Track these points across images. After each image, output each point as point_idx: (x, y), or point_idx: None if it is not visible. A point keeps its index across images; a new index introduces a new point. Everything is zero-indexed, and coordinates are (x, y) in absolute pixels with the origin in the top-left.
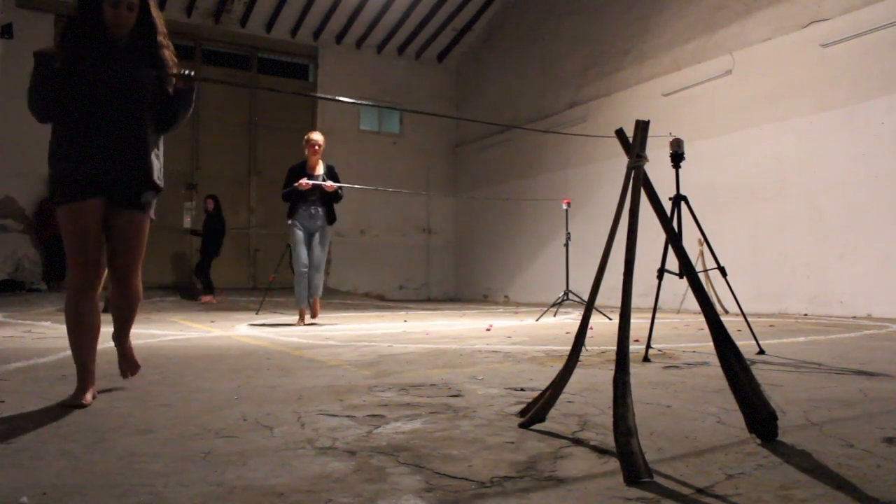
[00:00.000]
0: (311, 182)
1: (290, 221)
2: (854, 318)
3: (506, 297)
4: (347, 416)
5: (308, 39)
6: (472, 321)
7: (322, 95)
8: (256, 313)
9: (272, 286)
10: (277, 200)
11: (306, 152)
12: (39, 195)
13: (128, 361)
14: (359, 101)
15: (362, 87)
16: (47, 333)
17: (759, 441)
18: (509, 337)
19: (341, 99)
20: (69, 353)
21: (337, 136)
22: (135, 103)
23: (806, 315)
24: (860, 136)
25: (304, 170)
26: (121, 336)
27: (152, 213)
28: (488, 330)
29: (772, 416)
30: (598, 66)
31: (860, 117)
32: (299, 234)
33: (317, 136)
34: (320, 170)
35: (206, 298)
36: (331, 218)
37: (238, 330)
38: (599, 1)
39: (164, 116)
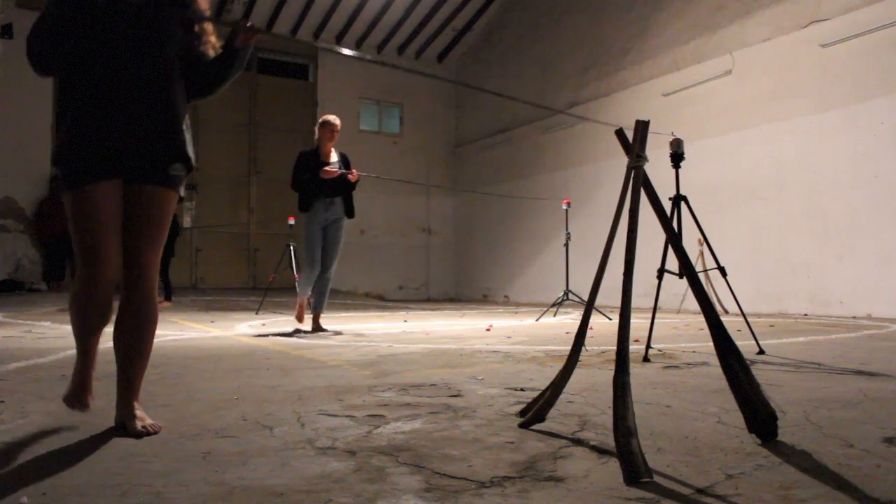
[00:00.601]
0: (338, 170)
1: (306, 213)
2: (854, 318)
3: (505, 297)
4: (347, 416)
5: (308, 39)
6: (472, 321)
7: (333, 47)
8: (256, 313)
9: (272, 286)
10: (278, 200)
11: (319, 137)
12: (39, 195)
13: (130, 412)
14: (368, 57)
15: (362, 87)
16: (47, 333)
17: (759, 441)
18: (509, 337)
19: (347, 52)
20: (69, 352)
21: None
22: (164, 61)
23: (806, 315)
24: (860, 136)
25: (318, 157)
26: (128, 376)
27: (182, 191)
28: (488, 330)
29: (772, 416)
30: (598, 66)
31: (860, 117)
32: (316, 230)
33: (336, 120)
34: (334, 157)
35: (164, 304)
36: (350, 211)
37: (238, 330)
38: (599, 1)
39: (204, 78)
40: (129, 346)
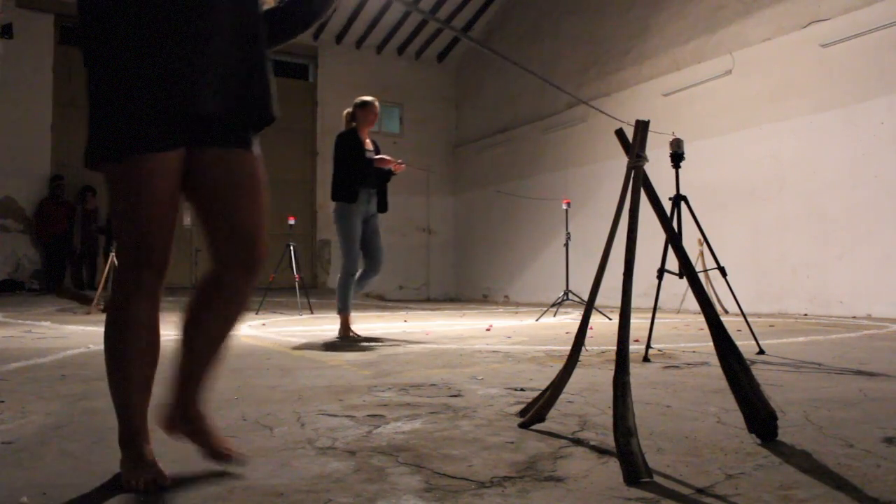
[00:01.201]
0: (393, 160)
1: (348, 204)
2: (854, 318)
3: (505, 297)
4: (347, 416)
5: (308, 39)
6: (472, 321)
7: None
8: (256, 313)
9: (272, 286)
10: (277, 200)
11: (358, 121)
12: (39, 195)
13: (202, 430)
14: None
15: (362, 87)
16: (47, 333)
17: (759, 441)
18: (509, 337)
19: None
20: (69, 353)
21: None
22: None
23: (806, 315)
24: (860, 136)
25: (359, 142)
26: (196, 375)
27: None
28: (488, 330)
29: (772, 416)
30: (598, 66)
31: (860, 117)
32: (358, 223)
33: (378, 102)
34: (369, 144)
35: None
36: (385, 205)
37: (238, 330)
38: (599, 1)
39: (287, 20)
40: (215, 333)
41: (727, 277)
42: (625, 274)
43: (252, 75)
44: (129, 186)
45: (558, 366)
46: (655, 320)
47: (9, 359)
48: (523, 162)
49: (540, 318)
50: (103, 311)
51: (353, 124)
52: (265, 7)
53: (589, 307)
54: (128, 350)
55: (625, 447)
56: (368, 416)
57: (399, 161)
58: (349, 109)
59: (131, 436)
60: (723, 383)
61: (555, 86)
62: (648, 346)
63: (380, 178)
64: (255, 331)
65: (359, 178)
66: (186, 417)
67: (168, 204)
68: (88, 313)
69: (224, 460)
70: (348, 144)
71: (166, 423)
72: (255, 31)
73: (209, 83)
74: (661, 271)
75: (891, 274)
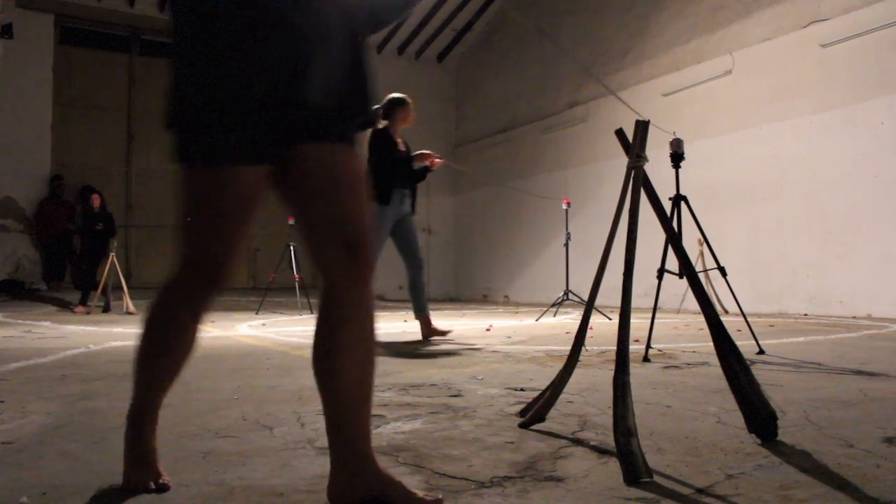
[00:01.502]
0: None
1: (381, 206)
2: (854, 318)
3: (505, 297)
4: None
5: None
6: (472, 321)
7: None
8: (256, 313)
9: (272, 286)
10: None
11: (392, 119)
12: (39, 195)
13: (382, 476)
14: None
15: None
16: (47, 333)
17: (759, 441)
18: (509, 337)
19: None
20: (69, 353)
21: None
22: None
23: (806, 315)
24: (860, 136)
25: (394, 141)
26: (355, 418)
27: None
28: (488, 330)
29: (772, 416)
30: (598, 66)
31: (860, 117)
32: (389, 226)
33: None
34: (402, 144)
35: (80, 309)
36: (414, 205)
37: (238, 330)
38: (599, 1)
39: (383, 6)
40: (356, 368)
41: (727, 277)
42: (625, 274)
43: (356, 66)
44: (198, 187)
45: (558, 366)
46: (655, 320)
47: (9, 359)
48: (523, 162)
49: (540, 318)
50: (104, 311)
51: (384, 122)
52: None
53: (589, 307)
54: (157, 351)
55: (625, 447)
56: None
57: (437, 156)
58: (376, 106)
59: (135, 435)
60: (723, 383)
61: (587, 72)
62: (648, 346)
63: (412, 178)
64: (255, 331)
65: (394, 178)
66: (361, 479)
67: (244, 218)
68: (89, 313)
69: None
70: (382, 143)
71: (338, 497)
72: (356, 16)
73: (317, 73)
74: (661, 271)
75: (891, 274)
